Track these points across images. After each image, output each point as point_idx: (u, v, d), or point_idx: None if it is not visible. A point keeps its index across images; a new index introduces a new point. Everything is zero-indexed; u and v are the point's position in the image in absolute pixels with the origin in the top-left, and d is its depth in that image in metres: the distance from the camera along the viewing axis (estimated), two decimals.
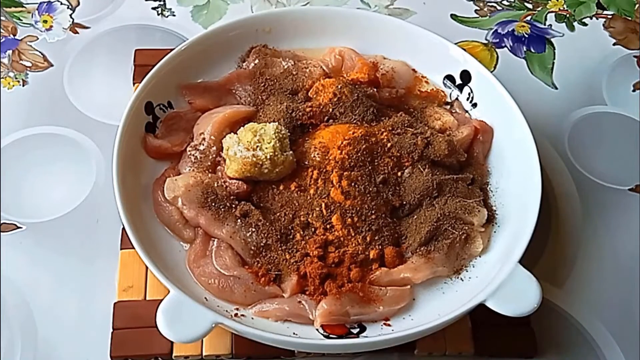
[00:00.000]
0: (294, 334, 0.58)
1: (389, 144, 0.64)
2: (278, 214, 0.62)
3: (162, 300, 0.54)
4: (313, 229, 0.62)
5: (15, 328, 0.62)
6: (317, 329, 0.59)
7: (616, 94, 0.84)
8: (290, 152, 0.63)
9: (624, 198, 0.75)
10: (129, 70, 0.79)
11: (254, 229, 0.61)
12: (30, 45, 0.83)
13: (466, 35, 0.88)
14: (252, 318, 0.59)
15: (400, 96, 0.72)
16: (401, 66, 0.74)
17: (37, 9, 0.86)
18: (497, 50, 0.87)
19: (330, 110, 0.67)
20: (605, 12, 0.92)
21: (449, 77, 0.74)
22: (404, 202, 0.64)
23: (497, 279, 0.57)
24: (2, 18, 0.85)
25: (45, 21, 0.85)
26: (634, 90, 0.84)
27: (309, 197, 0.63)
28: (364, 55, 0.74)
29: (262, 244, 0.61)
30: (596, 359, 0.64)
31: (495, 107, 0.70)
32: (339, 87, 0.68)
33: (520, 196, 0.65)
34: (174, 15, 0.87)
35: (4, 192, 0.70)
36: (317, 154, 0.64)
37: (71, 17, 0.86)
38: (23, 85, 0.79)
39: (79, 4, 0.88)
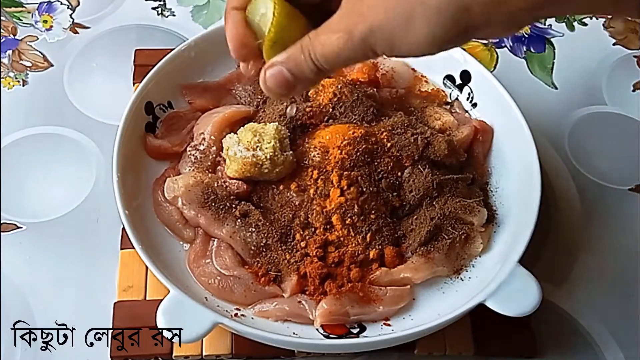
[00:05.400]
0: (294, 334, 0.58)
1: (388, 144, 0.64)
2: (278, 214, 0.62)
3: (162, 300, 0.54)
4: (313, 229, 0.62)
5: None
6: (317, 329, 0.59)
7: (616, 94, 0.84)
8: (290, 152, 0.63)
9: (624, 198, 0.75)
10: (129, 70, 0.79)
11: (254, 229, 0.61)
12: (30, 45, 0.83)
13: None
14: (252, 318, 0.59)
15: (400, 96, 0.72)
16: (401, 66, 0.74)
17: (37, 9, 0.86)
18: (497, 50, 0.87)
19: (330, 110, 0.67)
20: None
21: (449, 77, 0.74)
22: (404, 202, 0.64)
23: (497, 279, 0.57)
24: (2, 18, 0.85)
25: (45, 21, 0.85)
26: (633, 90, 0.84)
27: (309, 197, 0.62)
28: None
29: (262, 244, 0.61)
30: (596, 359, 0.64)
31: (495, 107, 0.70)
32: (339, 87, 0.68)
33: (520, 196, 0.65)
34: (174, 15, 0.87)
35: (4, 192, 0.70)
36: (317, 154, 0.64)
37: (71, 17, 0.86)
38: (23, 85, 0.79)
39: (79, 4, 0.88)
